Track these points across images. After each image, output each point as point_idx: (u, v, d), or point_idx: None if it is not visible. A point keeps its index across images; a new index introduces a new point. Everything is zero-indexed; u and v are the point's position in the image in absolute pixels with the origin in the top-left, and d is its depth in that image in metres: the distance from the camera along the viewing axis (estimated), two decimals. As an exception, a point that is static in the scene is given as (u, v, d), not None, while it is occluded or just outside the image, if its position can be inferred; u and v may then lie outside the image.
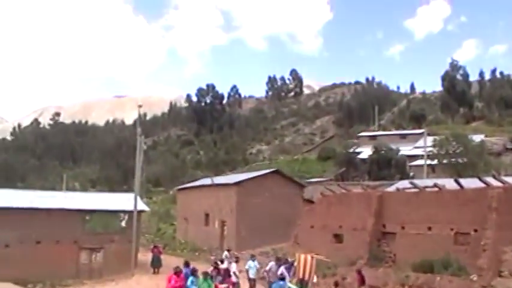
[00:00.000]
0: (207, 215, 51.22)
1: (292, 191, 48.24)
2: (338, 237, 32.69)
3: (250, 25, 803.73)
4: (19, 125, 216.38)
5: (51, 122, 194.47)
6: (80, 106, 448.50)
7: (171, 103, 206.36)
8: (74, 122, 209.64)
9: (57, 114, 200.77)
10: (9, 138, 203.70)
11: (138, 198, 38.45)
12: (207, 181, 57.38)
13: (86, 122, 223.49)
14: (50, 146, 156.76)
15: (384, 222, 29.59)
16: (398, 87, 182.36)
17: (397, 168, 68.81)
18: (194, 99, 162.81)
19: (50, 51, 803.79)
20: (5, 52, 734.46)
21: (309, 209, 38.98)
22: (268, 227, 43.47)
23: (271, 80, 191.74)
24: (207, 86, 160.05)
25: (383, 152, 72.70)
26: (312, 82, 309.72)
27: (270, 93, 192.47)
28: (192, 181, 65.48)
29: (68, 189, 74.13)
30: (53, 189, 70.30)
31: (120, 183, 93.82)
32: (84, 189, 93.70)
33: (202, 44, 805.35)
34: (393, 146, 74.63)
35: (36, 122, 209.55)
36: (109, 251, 37.30)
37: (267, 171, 52.36)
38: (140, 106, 39.62)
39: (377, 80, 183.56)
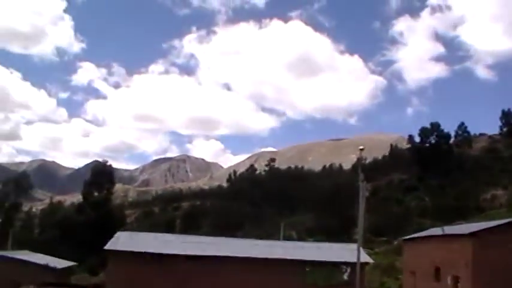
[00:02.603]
0: (437, 269, 49.48)
1: (539, 243, 44.86)
2: None
3: (477, 52, 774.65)
4: (235, 172, 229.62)
5: (266, 168, 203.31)
6: (295, 151, 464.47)
7: (391, 145, 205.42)
8: (289, 168, 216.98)
9: (273, 160, 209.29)
10: (225, 185, 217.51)
11: (361, 249, 38.22)
12: (436, 231, 55.64)
13: (302, 168, 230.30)
14: (266, 192, 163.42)
15: None
16: None
17: None
18: (417, 140, 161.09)
19: (259, 95, 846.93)
20: (222, 99, 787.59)
21: None
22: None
23: (506, 114, 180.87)
24: (431, 124, 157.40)
25: None
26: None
27: (504, 129, 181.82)
28: (419, 231, 64.14)
29: (285, 238, 76.39)
30: (270, 238, 72.90)
31: (338, 232, 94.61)
32: (301, 238, 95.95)
33: (423, 79, 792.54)
34: None
35: (251, 168, 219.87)
36: (332, 307, 37.41)
37: (508, 220, 49.30)
38: (362, 149, 39.65)
39: None
